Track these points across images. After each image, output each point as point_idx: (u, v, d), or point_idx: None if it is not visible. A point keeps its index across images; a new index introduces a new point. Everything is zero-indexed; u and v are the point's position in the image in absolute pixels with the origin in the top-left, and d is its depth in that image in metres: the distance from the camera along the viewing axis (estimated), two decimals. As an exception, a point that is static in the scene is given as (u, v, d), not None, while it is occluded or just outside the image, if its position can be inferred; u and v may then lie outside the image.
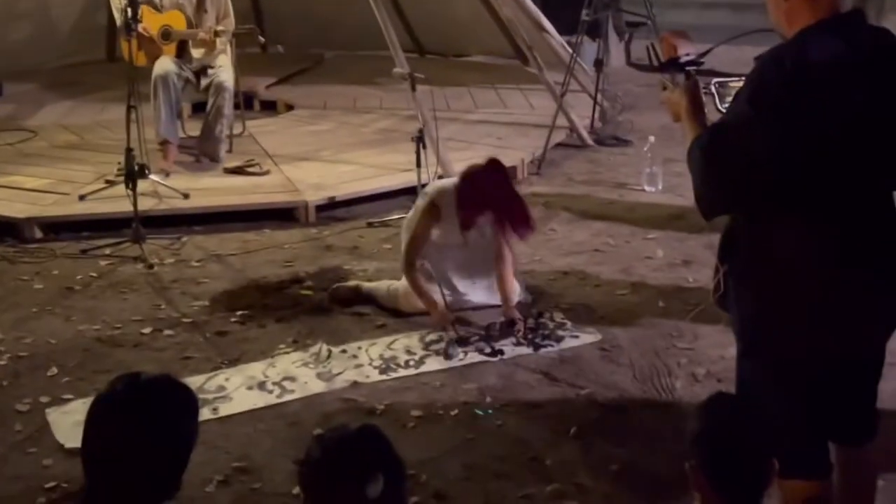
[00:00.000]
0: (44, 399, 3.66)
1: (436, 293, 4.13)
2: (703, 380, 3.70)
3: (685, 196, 5.60)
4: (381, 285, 4.36)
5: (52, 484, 3.17)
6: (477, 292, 4.30)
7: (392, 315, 4.27)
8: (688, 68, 2.64)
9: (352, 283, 4.45)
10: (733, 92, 2.59)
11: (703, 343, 3.99)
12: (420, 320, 4.19)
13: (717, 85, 2.67)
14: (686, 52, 2.71)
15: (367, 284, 4.40)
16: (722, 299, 2.46)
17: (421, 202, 4.26)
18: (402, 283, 4.23)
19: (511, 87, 7.52)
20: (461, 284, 4.28)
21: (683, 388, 3.65)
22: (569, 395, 3.65)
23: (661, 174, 5.77)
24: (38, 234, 5.16)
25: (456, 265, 4.26)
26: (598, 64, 6.68)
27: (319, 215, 5.40)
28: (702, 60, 2.76)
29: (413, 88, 5.45)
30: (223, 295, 4.47)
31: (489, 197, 4.06)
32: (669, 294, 4.43)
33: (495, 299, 4.24)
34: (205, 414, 3.48)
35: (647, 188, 5.75)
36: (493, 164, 4.14)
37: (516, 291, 4.27)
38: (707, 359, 3.87)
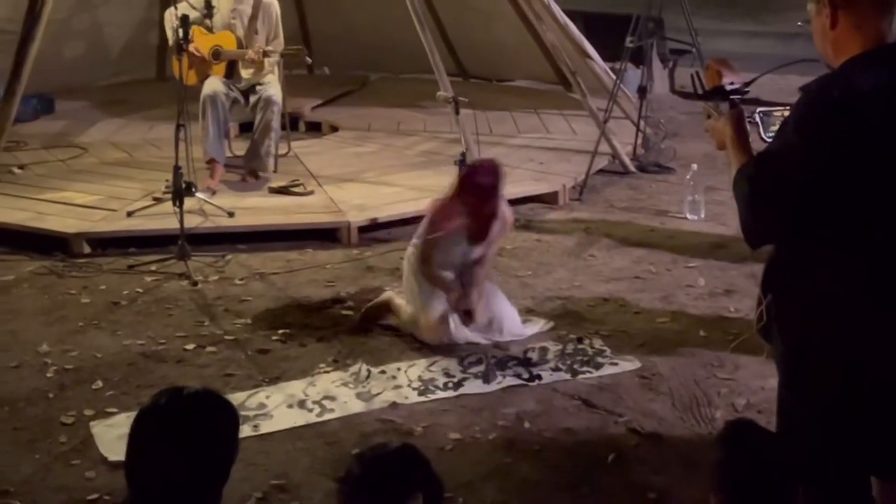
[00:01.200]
0: (88, 412, 3.72)
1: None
2: (744, 410, 3.67)
3: (728, 225, 5.59)
4: (407, 308, 4.34)
5: (94, 496, 3.22)
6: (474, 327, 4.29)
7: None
8: (732, 97, 2.65)
9: (385, 296, 4.48)
10: (778, 121, 2.60)
11: (743, 373, 3.97)
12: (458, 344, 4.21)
13: (761, 114, 2.67)
14: (731, 80, 2.72)
15: (397, 300, 4.41)
16: (765, 330, 2.45)
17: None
18: (422, 315, 4.22)
19: (554, 112, 7.54)
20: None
21: (723, 418, 3.62)
22: (607, 422, 3.65)
23: (703, 202, 5.76)
24: (87, 249, 5.25)
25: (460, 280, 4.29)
26: (642, 91, 6.69)
27: (362, 236, 5.45)
28: (747, 89, 2.77)
29: (456, 112, 5.48)
30: (265, 313, 4.52)
31: (480, 188, 4.15)
32: (710, 323, 4.41)
33: (488, 336, 4.26)
34: (245, 431, 3.53)
35: (689, 216, 5.73)
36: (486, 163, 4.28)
37: (516, 325, 4.30)
38: (748, 389, 3.85)
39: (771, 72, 3.59)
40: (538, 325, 4.36)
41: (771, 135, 2.57)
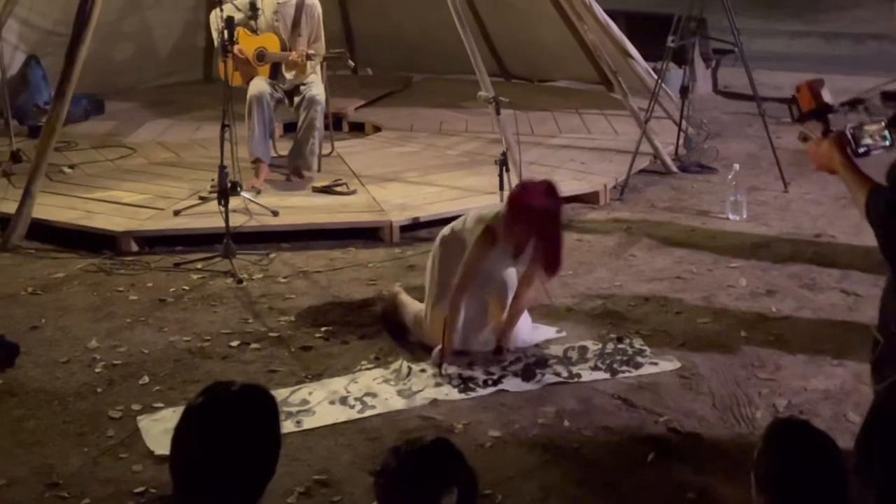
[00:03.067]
0: (135, 406, 3.80)
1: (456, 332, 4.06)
2: (785, 411, 3.66)
3: (769, 225, 5.56)
4: (412, 307, 4.28)
5: (140, 489, 3.28)
6: (475, 336, 4.16)
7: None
8: (828, 117, 2.60)
9: (394, 291, 4.43)
10: (868, 135, 2.56)
11: (784, 374, 3.95)
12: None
13: (851, 129, 2.62)
14: (825, 100, 2.65)
15: (404, 297, 4.37)
16: (877, 366, 2.42)
17: (467, 227, 4.10)
18: (429, 316, 4.15)
19: (595, 112, 7.53)
20: (466, 325, 4.12)
21: (763, 418, 3.61)
22: (647, 421, 3.65)
23: (745, 203, 5.72)
24: (135, 247, 5.34)
25: (495, 293, 4.16)
26: (684, 91, 6.66)
27: (403, 235, 5.49)
28: (838, 108, 2.71)
29: (497, 112, 5.50)
30: (308, 311, 4.58)
31: (540, 218, 3.90)
32: (752, 323, 4.39)
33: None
34: (288, 427, 3.58)
35: (730, 216, 5.71)
36: (548, 186, 3.98)
37: (526, 330, 4.21)
38: (789, 390, 3.83)
39: (875, 91, 3.56)
40: (548, 332, 4.28)
41: (863, 149, 2.54)
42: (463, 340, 4.11)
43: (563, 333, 4.30)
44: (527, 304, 4.18)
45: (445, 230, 4.26)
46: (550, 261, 3.97)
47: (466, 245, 4.05)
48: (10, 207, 5.52)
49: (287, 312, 4.59)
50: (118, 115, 7.64)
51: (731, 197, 5.74)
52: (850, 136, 2.61)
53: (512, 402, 3.80)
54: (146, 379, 4.01)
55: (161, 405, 3.79)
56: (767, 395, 3.79)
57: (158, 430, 3.56)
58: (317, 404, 3.79)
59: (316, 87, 6.08)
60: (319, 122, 6.07)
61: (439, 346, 4.01)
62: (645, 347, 4.17)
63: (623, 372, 3.99)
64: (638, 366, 4.03)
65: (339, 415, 3.73)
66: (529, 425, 3.63)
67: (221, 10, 5.51)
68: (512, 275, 4.18)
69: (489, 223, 3.99)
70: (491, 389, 3.88)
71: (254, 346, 4.28)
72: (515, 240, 3.96)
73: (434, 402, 3.81)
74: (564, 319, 4.48)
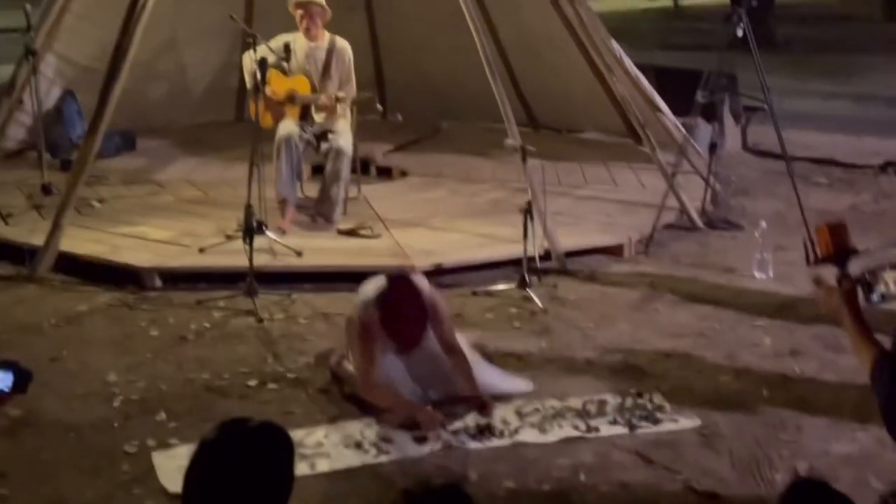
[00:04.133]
0: (151, 442, 3.80)
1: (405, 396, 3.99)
2: (806, 474, 3.59)
3: (796, 285, 5.50)
4: (352, 370, 4.17)
5: (152, 525, 3.28)
6: (433, 393, 4.10)
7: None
8: (844, 265, 2.55)
9: (335, 358, 4.33)
10: (884, 282, 2.51)
11: (806, 436, 3.89)
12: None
13: (867, 274, 2.57)
14: (843, 245, 2.62)
15: (344, 364, 4.24)
16: None
17: (352, 312, 4.10)
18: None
19: (622, 164, 7.53)
20: (416, 391, 4.08)
21: (783, 480, 3.54)
22: (664, 479, 3.60)
23: (771, 261, 5.68)
24: (159, 283, 5.37)
25: (405, 375, 4.05)
26: (713, 147, 6.65)
27: (426, 281, 5.48)
28: (858, 250, 2.66)
29: (524, 160, 5.53)
30: (328, 353, 4.57)
31: (404, 314, 3.90)
32: (774, 384, 4.34)
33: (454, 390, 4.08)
34: (302, 469, 3.57)
35: (756, 274, 5.66)
36: (399, 283, 4.00)
37: (490, 377, 4.16)
38: (810, 453, 3.77)
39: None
40: (516, 384, 4.20)
41: (877, 297, 2.49)
42: (419, 396, 4.06)
43: (532, 388, 4.20)
44: (463, 361, 4.09)
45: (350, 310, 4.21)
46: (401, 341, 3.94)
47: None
48: (39, 239, 5.58)
49: (306, 354, 4.59)
50: (149, 153, 7.73)
51: (757, 255, 5.69)
52: (864, 282, 2.55)
53: (528, 454, 3.76)
54: (163, 415, 4.01)
55: (176, 442, 3.78)
56: (788, 456, 3.73)
57: (173, 466, 3.55)
58: (332, 447, 3.77)
59: (344, 137, 6.11)
60: (346, 173, 6.10)
61: (422, 412, 3.92)
62: (665, 404, 4.12)
63: (642, 427, 3.94)
64: (657, 422, 3.98)
65: (354, 459, 3.71)
66: (545, 478, 3.59)
67: (255, 52, 5.59)
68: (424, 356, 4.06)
69: (359, 318, 3.98)
70: (507, 440, 3.84)
71: (271, 386, 4.27)
72: (404, 340, 3.94)
73: (449, 448, 3.78)
74: (584, 373, 4.45)
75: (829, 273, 2.59)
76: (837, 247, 2.57)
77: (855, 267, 2.57)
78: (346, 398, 4.15)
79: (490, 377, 4.20)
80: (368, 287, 4.12)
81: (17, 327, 4.88)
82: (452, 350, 4.11)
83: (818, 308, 2.50)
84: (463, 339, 4.31)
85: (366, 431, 3.89)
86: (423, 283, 4.14)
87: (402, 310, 3.93)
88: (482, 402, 4.00)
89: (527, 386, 4.22)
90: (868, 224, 6.57)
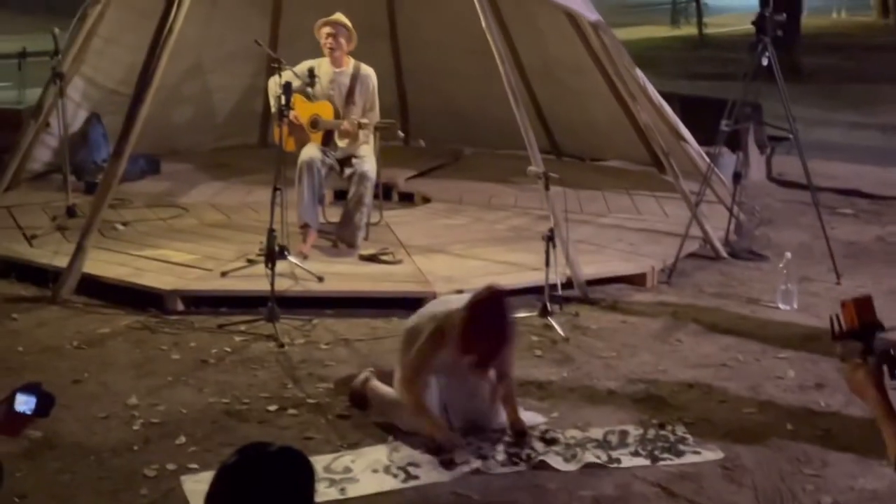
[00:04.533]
0: (171, 466, 3.79)
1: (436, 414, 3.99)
2: (831, 510, 3.54)
3: (821, 317, 5.43)
4: (387, 392, 4.15)
5: (170, 550, 3.27)
6: (455, 420, 4.06)
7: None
8: (869, 341, 2.52)
9: (363, 376, 4.33)
10: None
11: (831, 471, 3.83)
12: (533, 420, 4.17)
13: (893, 350, 2.53)
14: (869, 321, 2.59)
15: (375, 382, 4.24)
16: None
17: (424, 319, 4.07)
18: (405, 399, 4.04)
19: (645, 193, 7.51)
20: (454, 414, 4.06)
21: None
22: (686, 512, 3.56)
23: (796, 292, 5.62)
24: (180, 306, 5.38)
25: (435, 398, 4.03)
26: (737, 176, 6.61)
27: (447, 308, 5.46)
28: (884, 326, 2.62)
29: (546, 187, 5.52)
30: (348, 379, 4.55)
31: (496, 328, 3.88)
32: (799, 417, 4.28)
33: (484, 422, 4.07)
34: (332, 494, 3.59)
35: (781, 306, 5.60)
36: (496, 296, 3.96)
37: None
38: (835, 488, 3.71)
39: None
40: (534, 417, 4.16)
41: None
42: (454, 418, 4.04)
43: (544, 419, 4.18)
44: (509, 396, 4.07)
45: (410, 320, 4.22)
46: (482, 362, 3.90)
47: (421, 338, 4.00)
48: (62, 261, 5.61)
49: (326, 379, 4.57)
50: (173, 176, 7.77)
51: (781, 286, 5.64)
52: (890, 358, 2.52)
53: (549, 484, 3.72)
54: (183, 439, 4.01)
55: (196, 466, 3.77)
56: (813, 491, 3.67)
57: (200, 491, 3.53)
58: (360, 472, 3.76)
59: (368, 162, 6.13)
60: (368, 198, 6.11)
61: (446, 436, 3.91)
62: (687, 435, 4.07)
63: (664, 459, 3.89)
64: (680, 454, 3.94)
65: (383, 484, 3.70)
66: (565, 509, 3.55)
67: (280, 76, 5.62)
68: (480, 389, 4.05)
69: (440, 324, 3.95)
70: (530, 468, 3.81)
71: (291, 411, 4.26)
72: (480, 360, 3.90)
73: (477, 471, 3.77)
74: (605, 403, 4.41)
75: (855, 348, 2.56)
76: (863, 322, 2.54)
77: (881, 343, 2.54)
78: (371, 422, 4.13)
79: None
80: (449, 299, 4.13)
81: (39, 349, 4.89)
82: (505, 377, 4.08)
83: (848, 386, 2.47)
84: None
85: (393, 456, 3.87)
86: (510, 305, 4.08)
87: (496, 323, 3.89)
88: (523, 429, 3.98)
89: (541, 418, 4.19)
90: (895, 256, 6.51)
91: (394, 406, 4.11)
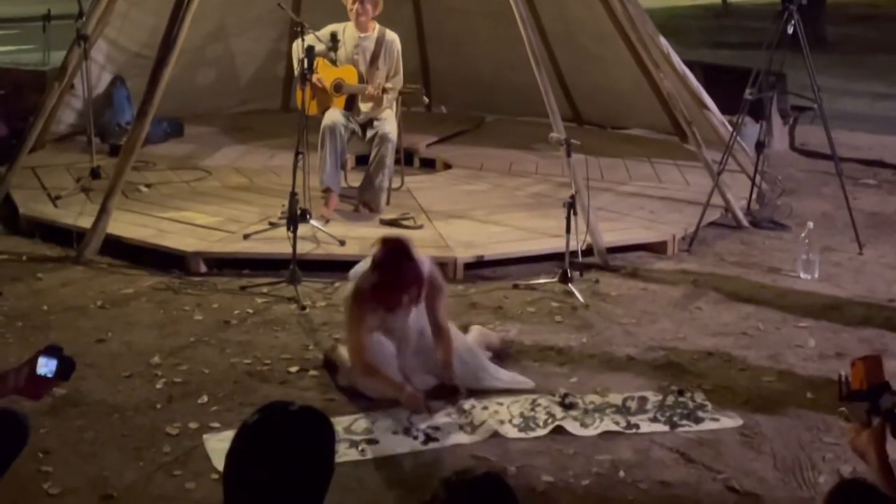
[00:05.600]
0: (193, 425, 3.84)
1: (395, 375, 4.02)
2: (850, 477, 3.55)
3: (842, 287, 5.43)
4: (346, 358, 4.18)
5: (192, 507, 3.31)
6: (420, 379, 4.11)
7: (522, 375, 4.26)
8: (877, 402, 2.51)
9: (331, 343, 4.36)
10: None
11: (850, 440, 3.83)
12: (552, 384, 4.19)
13: None
14: (877, 381, 2.58)
15: (341, 349, 4.26)
16: None
17: (348, 287, 4.14)
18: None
19: (667, 161, 7.47)
20: (403, 369, 4.11)
21: (827, 483, 3.50)
22: (704, 477, 3.57)
23: (817, 262, 5.60)
24: (203, 268, 5.42)
25: (392, 360, 4.08)
26: (760, 146, 6.57)
27: (467, 273, 5.48)
28: (891, 386, 2.60)
29: (568, 154, 5.50)
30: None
31: (394, 276, 3.94)
32: (819, 386, 4.27)
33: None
34: (352, 455, 3.63)
35: (802, 275, 5.59)
36: (393, 243, 4.05)
37: (485, 370, 4.16)
38: (854, 457, 3.70)
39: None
40: (515, 379, 4.20)
41: None
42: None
43: (531, 385, 4.19)
44: (447, 349, 4.10)
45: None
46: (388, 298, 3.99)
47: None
48: (86, 222, 5.66)
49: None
50: (197, 139, 7.79)
51: (803, 255, 5.62)
52: (893, 417, 2.50)
53: (567, 449, 3.74)
54: (205, 398, 4.05)
55: (217, 425, 3.82)
56: (832, 460, 3.68)
57: (222, 449, 3.57)
58: (381, 434, 3.80)
59: (389, 123, 6.14)
60: (390, 160, 6.12)
61: (407, 392, 3.95)
62: (706, 402, 4.08)
63: (683, 426, 3.91)
64: (698, 420, 3.95)
65: (404, 445, 3.74)
66: (584, 473, 3.58)
67: (303, 40, 5.61)
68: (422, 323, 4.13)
69: (356, 284, 4.03)
70: (549, 432, 3.84)
71: (312, 373, 4.30)
72: (389, 302, 3.99)
73: (495, 434, 3.80)
74: (625, 369, 4.42)
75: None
76: (871, 383, 2.55)
77: (887, 401, 2.54)
78: (339, 388, 4.15)
79: (491, 370, 4.20)
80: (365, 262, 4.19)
81: (63, 308, 4.95)
82: (440, 330, 4.12)
83: (851, 445, 2.47)
84: (477, 336, 4.37)
85: (413, 418, 3.91)
86: (422, 255, 4.13)
87: (395, 267, 3.95)
88: (454, 388, 4.03)
89: (527, 383, 4.20)
90: (917, 227, 6.48)
91: (351, 372, 4.14)
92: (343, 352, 4.26)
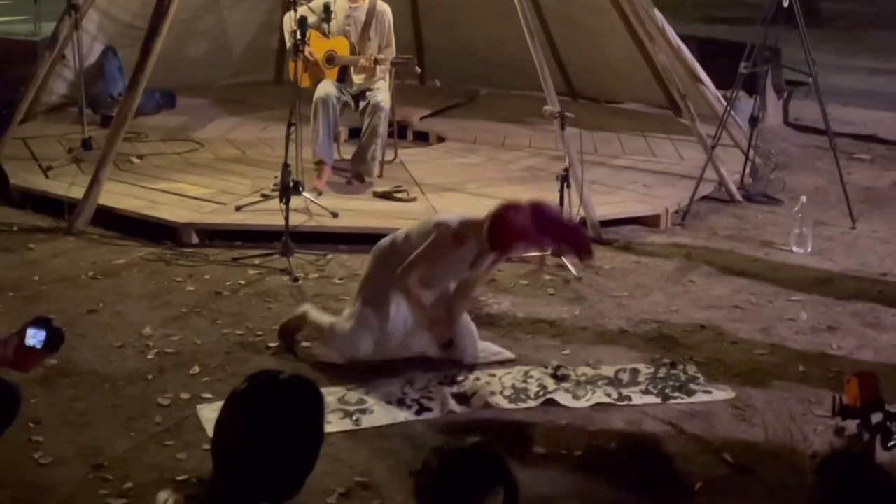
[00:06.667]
0: (184, 395, 3.83)
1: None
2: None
3: (834, 261, 5.44)
4: (324, 320, 4.18)
5: (183, 477, 3.30)
6: (415, 342, 4.14)
7: (514, 347, 4.28)
8: (868, 421, 2.49)
9: (301, 309, 4.31)
10: None
11: (842, 413, 3.84)
12: (544, 356, 4.19)
13: (888, 423, 2.50)
14: (871, 399, 2.56)
15: (314, 313, 4.23)
16: None
17: (412, 240, 4.07)
18: (340, 326, 4.08)
19: (661, 136, 7.45)
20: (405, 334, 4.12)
21: (820, 455, 3.52)
22: (697, 449, 3.59)
23: (810, 236, 5.61)
24: (195, 239, 5.40)
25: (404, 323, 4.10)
26: (753, 120, 6.55)
27: (460, 246, 5.46)
28: (885, 402, 2.58)
29: (562, 127, 5.48)
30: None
31: (559, 221, 4.10)
32: (811, 359, 4.29)
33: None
34: (346, 424, 3.64)
35: (795, 249, 5.59)
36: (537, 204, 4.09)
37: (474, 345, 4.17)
38: (847, 430, 3.72)
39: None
40: (496, 351, 4.21)
41: (893, 444, 2.40)
42: (402, 346, 4.11)
43: (513, 356, 4.21)
44: (463, 308, 4.17)
45: (383, 243, 4.21)
46: (583, 249, 4.12)
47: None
48: (78, 193, 5.63)
49: (339, 314, 4.58)
50: (189, 111, 7.75)
51: (796, 229, 5.62)
52: (884, 430, 2.50)
53: (559, 420, 3.75)
54: (196, 369, 4.05)
55: (209, 396, 3.81)
56: (824, 432, 3.68)
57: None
58: (374, 403, 3.81)
59: (382, 93, 6.11)
60: (383, 129, 6.10)
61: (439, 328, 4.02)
62: (698, 375, 4.09)
63: (675, 398, 3.92)
64: (690, 393, 3.96)
65: (398, 415, 3.75)
66: (576, 445, 3.59)
67: (295, 12, 5.57)
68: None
69: (456, 229, 3.99)
70: (540, 403, 3.84)
71: (304, 344, 4.29)
72: (531, 248, 4.18)
73: (486, 405, 3.81)
74: (617, 342, 4.43)
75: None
76: (865, 400, 2.55)
77: (878, 418, 2.55)
78: (298, 358, 4.14)
79: (479, 343, 4.21)
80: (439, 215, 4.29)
81: (55, 279, 4.93)
82: (468, 291, 4.19)
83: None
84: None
85: (406, 388, 3.92)
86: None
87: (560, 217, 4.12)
88: (449, 341, 4.06)
89: (509, 355, 4.21)
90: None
91: (325, 332, 4.13)
92: (319, 316, 4.21)
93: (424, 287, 4.03)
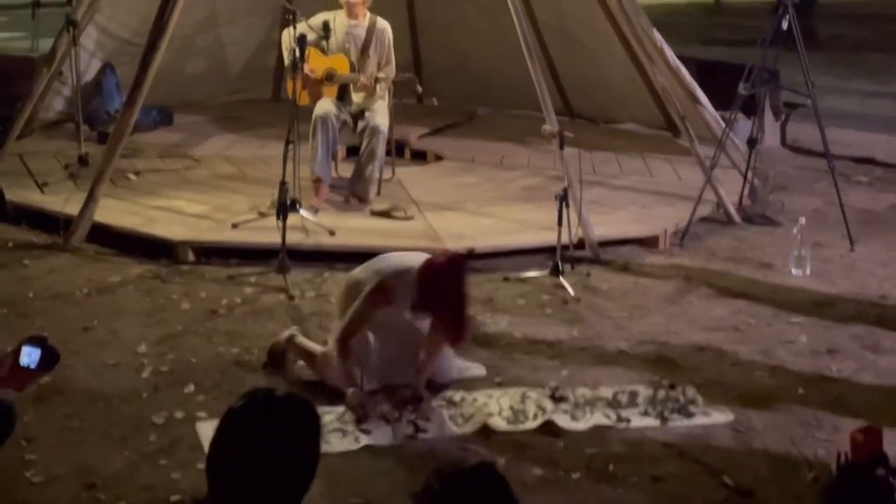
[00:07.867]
0: (179, 414, 3.80)
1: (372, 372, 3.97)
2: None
3: (833, 283, 5.42)
4: (313, 348, 4.13)
5: (177, 497, 3.27)
6: (397, 372, 4.04)
7: (511, 368, 4.24)
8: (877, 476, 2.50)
9: (287, 333, 4.26)
10: None
11: (843, 437, 3.78)
12: (542, 377, 4.17)
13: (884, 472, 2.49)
14: (875, 452, 2.56)
15: (301, 339, 4.20)
16: None
17: (369, 273, 3.99)
18: (332, 354, 3.97)
19: (659, 156, 7.44)
20: (384, 364, 4.04)
21: (819, 480, 3.49)
22: (695, 472, 3.55)
23: (809, 258, 5.59)
24: (191, 256, 5.37)
25: (385, 344, 4.03)
26: (752, 142, 6.55)
27: (458, 265, 5.44)
28: (888, 458, 2.59)
29: (561, 147, 5.48)
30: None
31: (448, 297, 3.83)
32: (810, 382, 4.26)
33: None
34: (345, 444, 3.61)
35: (793, 271, 5.57)
36: (456, 261, 3.99)
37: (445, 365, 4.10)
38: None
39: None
40: (469, 368, 4.17)
41: None
42: (382, 376, 4.01)
43: (483, 372, 4.17)
44: (430, 368, 4.03)
45: (353, 273, 4.15)
46: (454, 334, 3.89)
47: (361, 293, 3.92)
48: (74, 209, 5.60)
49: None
50: (186, 128, 7.73)
51: (794, 251, 5.60)
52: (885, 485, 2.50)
53: (557, 442, 3.72)
54: (192, 387, 4.01)
55: (204, 415, 3.78)
56: (823, 456, 3.66)
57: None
58: (371, 423, 3.77)
59: (380, 115, 6.09)
60: (381, 152, 6.08)
61: (353, 389, 3.87)
62: (697, 397, 4.06)
63: (674, 420, 3.89)
64: (689, 415, 3.93)
65: (395, 436, 3.72)
66: (574, 467, 3.55)
67: (295, 29, 5.56)
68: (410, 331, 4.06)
69: (384, 280, 3.88)
70: (540, 422, 3.82)
71: (300, 363, 4.25)
72: (420, 311, 3.90)
73: (484, 428, 3.77)
74: (615, 363, 4.40)
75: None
76: (869, 454, 2.55)
77: (881, 472, 2.55)
78: (289, 381, 4.08)
79: (449, 360, 4.14)
80: (396, 256, 4.10)
81: (50, 295, 4.90)
82: (437, 344, 4.00)
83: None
84: None
85: (404, 409, 3.88)
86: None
87: (456, 288, 3.85)
88: (417, 394, 3.93)
89: (479, 371, 4.17)
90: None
91: (318, 361, 4.06)
92: (304, 341, 4.18)
93: (361, 333, 3.93)
